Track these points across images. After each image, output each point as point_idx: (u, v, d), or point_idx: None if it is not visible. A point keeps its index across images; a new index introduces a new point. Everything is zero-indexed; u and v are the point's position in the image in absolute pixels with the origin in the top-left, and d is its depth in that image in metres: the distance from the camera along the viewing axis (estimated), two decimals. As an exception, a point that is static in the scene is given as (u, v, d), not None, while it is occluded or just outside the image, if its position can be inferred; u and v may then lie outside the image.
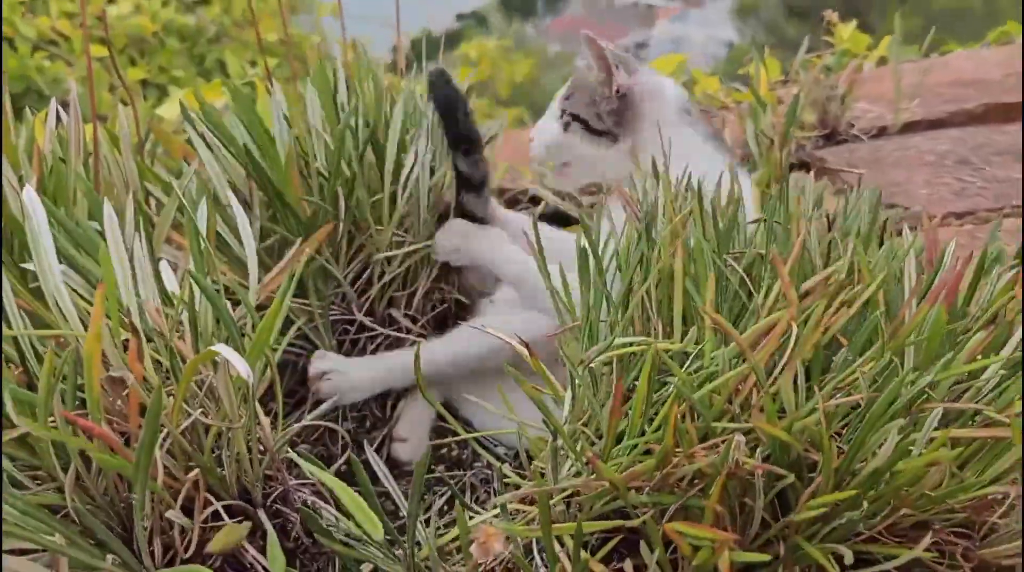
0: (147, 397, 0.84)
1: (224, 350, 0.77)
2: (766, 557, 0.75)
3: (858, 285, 0.97)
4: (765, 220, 1.05)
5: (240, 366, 0.76)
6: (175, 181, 1.14)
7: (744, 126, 1.74)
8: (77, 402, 0.82)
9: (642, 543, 0.77)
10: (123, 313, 0.87)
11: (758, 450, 0.82)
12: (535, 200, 1.76)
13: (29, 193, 0.92)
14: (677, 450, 0.80)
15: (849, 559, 0.72)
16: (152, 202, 1.26)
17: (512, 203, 1.75)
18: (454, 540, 0.93)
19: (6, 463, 0.79)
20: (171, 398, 0.84)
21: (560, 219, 1.62)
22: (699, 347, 0.92)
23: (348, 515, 0.89)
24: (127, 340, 0.84)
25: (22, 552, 0.83)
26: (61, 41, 3.70)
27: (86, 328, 0.82)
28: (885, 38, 2.31)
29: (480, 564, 0.84)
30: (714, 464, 0.76)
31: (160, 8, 4.13)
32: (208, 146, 1.22)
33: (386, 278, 1.37)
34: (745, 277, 1.03)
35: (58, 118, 1.24)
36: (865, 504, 0.77)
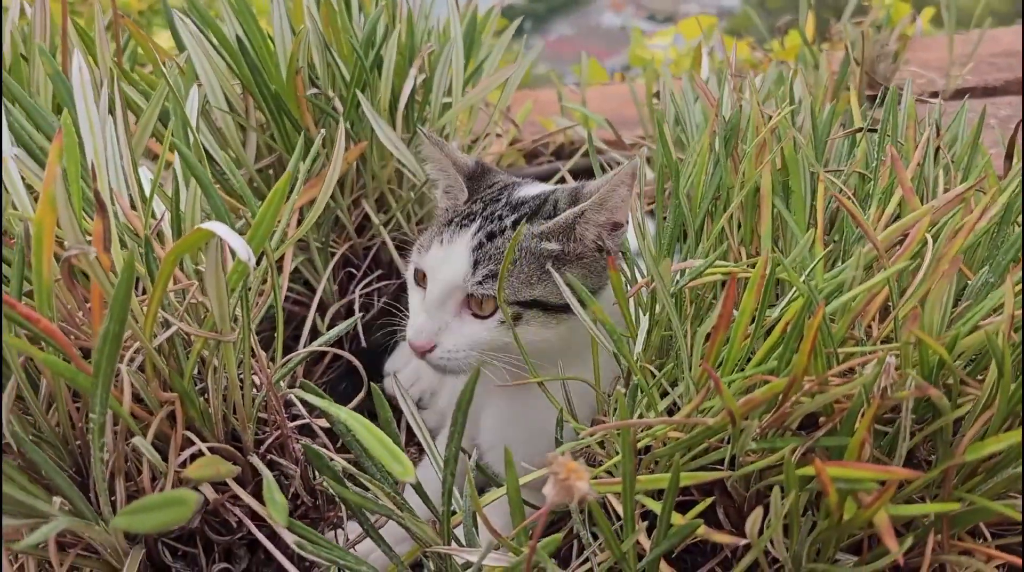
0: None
1: (219, 228, 0.58)
2: (944, 508, 0.56)
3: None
4: (872, 129, 0.88)
5: (239, 247, 0.57)
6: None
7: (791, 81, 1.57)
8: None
9: (775, 491, 0.58)
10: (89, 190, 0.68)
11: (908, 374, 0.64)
12: (557, 154, 1.58)
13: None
14: (807, 378, 0.62)
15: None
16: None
17: (532, 156, 1.57)
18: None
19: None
20: (143, 307, 0.66)
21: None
22: (811, 267, 0.74)
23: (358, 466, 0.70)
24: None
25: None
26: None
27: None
28: (926, 9, 2.17)
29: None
30: (864, 385, 0.58)
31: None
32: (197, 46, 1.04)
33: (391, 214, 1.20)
34: (846, 191, 0.86)
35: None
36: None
